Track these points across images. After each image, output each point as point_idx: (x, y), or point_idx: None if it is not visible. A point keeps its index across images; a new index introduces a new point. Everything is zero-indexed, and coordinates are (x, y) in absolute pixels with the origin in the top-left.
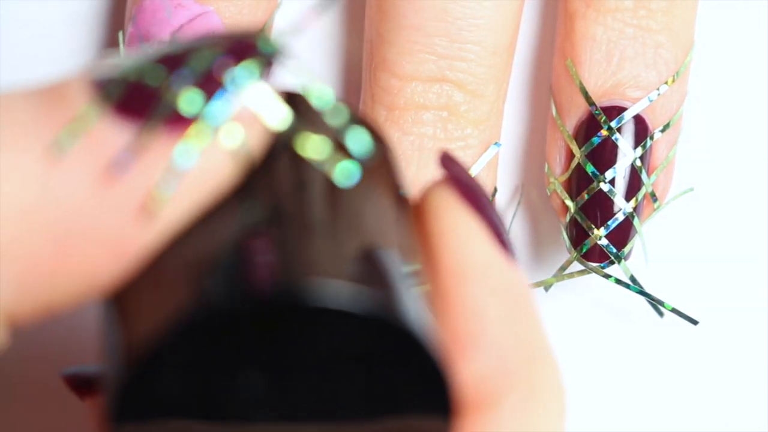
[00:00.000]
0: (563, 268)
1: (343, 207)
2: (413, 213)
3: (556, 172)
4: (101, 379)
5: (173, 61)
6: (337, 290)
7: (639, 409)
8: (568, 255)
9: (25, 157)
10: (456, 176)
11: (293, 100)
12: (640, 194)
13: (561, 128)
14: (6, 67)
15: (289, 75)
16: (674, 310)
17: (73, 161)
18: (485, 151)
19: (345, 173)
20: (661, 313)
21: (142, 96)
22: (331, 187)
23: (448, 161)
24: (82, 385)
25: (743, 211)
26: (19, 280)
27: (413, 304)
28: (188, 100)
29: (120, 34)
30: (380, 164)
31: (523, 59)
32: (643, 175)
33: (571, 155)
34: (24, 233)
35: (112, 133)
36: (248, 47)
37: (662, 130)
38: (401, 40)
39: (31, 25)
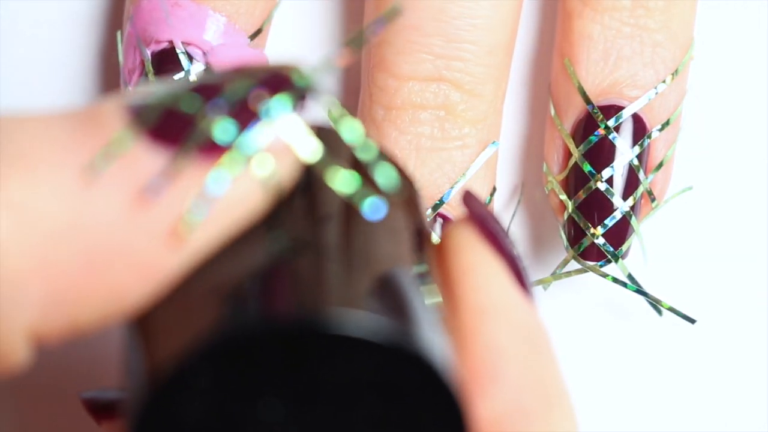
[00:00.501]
0: (561, 266)
1: (368, 239)
2: (435, 250)
3: (554, 171)
4: (122, 401)
5: (209, 90)
6: (358, 319)
7: (638, 408)
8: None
9: (61, 176)
10: (477, 215)
11: (324, 133)
12: (638, 193)
13: (559, 127)
14: (6, 67)
15: (321, 109)
16: (672, 309)
17: (107, 183)
18: (483, 150)
19: (373, 207)
20: (659, 312)
21: (177, 123)
22: (357, 220)
23: (470, 200)
24: (99, 409)
25: (742, 209)
26: (47, 298)
27: (433, 335)
28: (222, 128)
29: (118, 34)
30: (405, 200)
31: (524, 58)
32: (641, 174)
33: (568, 154)
34: (55, 252)
35: (147, 158)
36: (283, 80)
37: (660, 129)
38: (398, 39)
39: (30, 25)
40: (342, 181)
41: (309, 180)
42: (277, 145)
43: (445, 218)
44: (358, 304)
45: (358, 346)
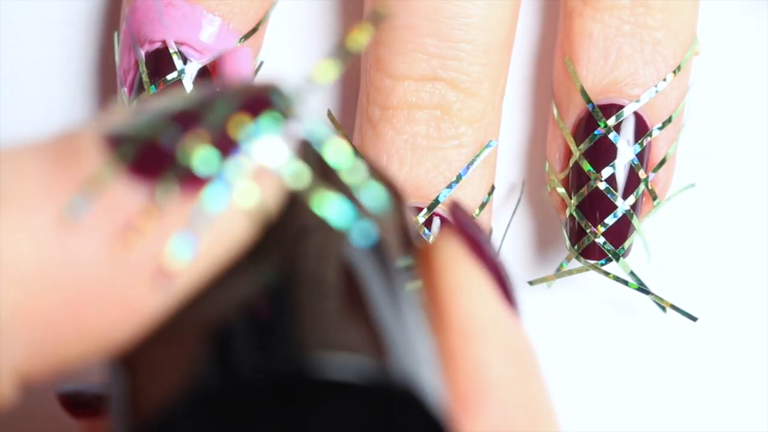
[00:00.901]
0: (563, 265)
1: (356, 269)
2: (423, 262)
3: (556, 170)
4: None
5: (187, 118)
6: (344, 362)
7: (640, 406)
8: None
9: (38, 219)
10: (464, 228)
11: (311, 153)
12: (639, 191)
13: (560, 126)
14: (7, 67)
15: (304, 128)
16: (673, 307)
17: (87, 224)
18: (480, 149)
19: (362, 234)
20: (664, 309)
21: (157, 156)
22: (346, 248)
23: (457, 211)
24: (77, 405)
25: (745, 206)
26: (31, 339)
27: (423, 370)
28: (203, 159)
29: (115, 35)
30: (394, 218)
31: (527, 57)
32: (641, 173)
33: (569, 153)
34: (37, 295)
35: (127, 195)
36: (263, 102)
37: (661, 127)
38: (394, 39)
39: (29, 25)
40: (329, 205)
41: (296, 206)
42: (261, 172)
43: (443, 218)
44: (344, 341)
45: (346, 389)
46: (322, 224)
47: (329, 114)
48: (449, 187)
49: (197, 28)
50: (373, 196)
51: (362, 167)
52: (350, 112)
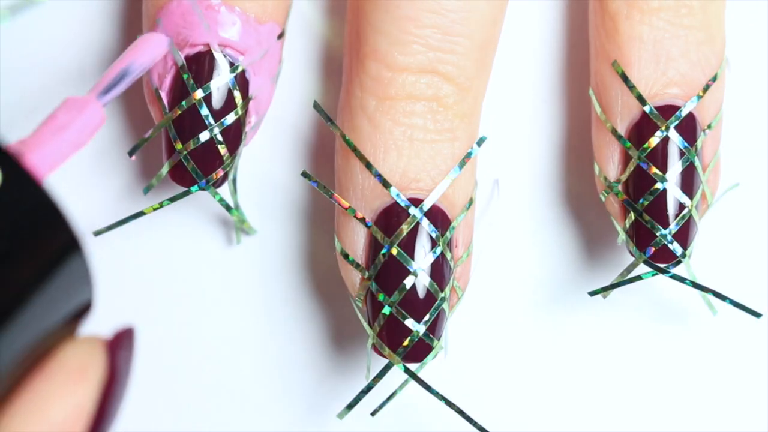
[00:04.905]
0: (627, 271)
1: None
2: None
3: (611, 176)
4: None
5: None
6: None
7: (694, 411)
8: (632, 258)
9: None
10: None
11: None
12: (699, 192)
13: (611, 130)
14: (6, 66)
15: None
16: (736, 304)
17: None
18: (471, 145)
19: None
20: (714, 311)
21: None
22: None
23: (120, 343)
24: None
25: None
26: None
27: None
28: None
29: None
30: None
31: (554, 61)
32: (699, 173)
33: (626, 157)
34: None
35: None
36: None
37: (709, 127)
38: (394, 30)
39: (31, 25)
40: None
41: None
42: None
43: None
44: None
45: None
46: None
47: (316, 105)
48: (446, 178)
49: (236, 30)
50: None
51: None
52: (335, 97)
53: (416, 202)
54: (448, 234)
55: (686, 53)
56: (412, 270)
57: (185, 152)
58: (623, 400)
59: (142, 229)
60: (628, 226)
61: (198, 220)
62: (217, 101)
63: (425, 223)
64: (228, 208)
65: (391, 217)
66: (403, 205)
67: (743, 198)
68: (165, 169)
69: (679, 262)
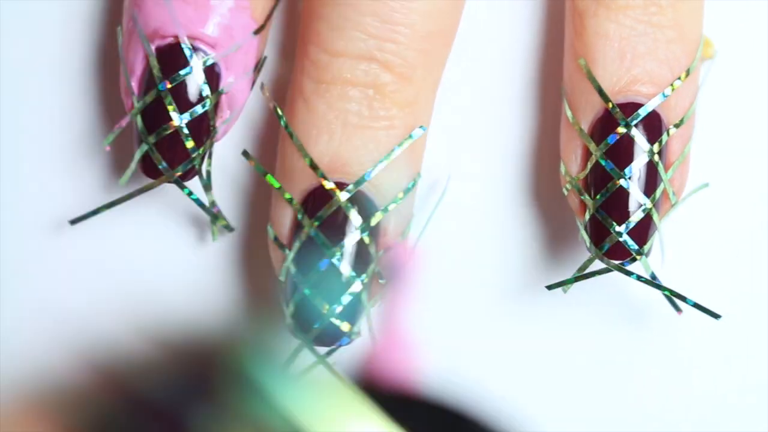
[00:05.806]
0: (583, 267)
1: None
2: None
3: (573, 171)
4: None
5: None
6: None
7: (656, 410)
8: (588, 254)
9: None
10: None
11: None
12: (659, 191)
13: (576, 127)
14: (7, 67)
15: None
16: (696, 305)
17: None
18: (409, 134)
19: None
20: (678, 309)
21: None
22: None
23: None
24: None
25: (758, 206)
26: None
27: None
28: None
29: (119, 30)
30: None
31: (532, 59)
32: (660, 171)
33: (587, 153)
34: None
35: None
36: None
37: (676, 126)
38: (333, 15)
39: (29, 25)
40: None
41: None
42: None
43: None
44: None
45: None
46: None
47: (262, 87)
48: (376, 165)
49: (208, 22)
50: None
51: None
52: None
53: (342, 186)
54: (372, 221)
55: (654, 51)
56: (328, 253)
57: (152, 144)
58: (587, 394)
59: (117, 224)
60: (586, 221)
61: (173, 215)
62: (184, 94)
63: (348, 208)
64: (200, 203)
65: (315, 200)
66: (327, 187)
67: (716, 198)
68: (134, 162)
69: (635, 259)
